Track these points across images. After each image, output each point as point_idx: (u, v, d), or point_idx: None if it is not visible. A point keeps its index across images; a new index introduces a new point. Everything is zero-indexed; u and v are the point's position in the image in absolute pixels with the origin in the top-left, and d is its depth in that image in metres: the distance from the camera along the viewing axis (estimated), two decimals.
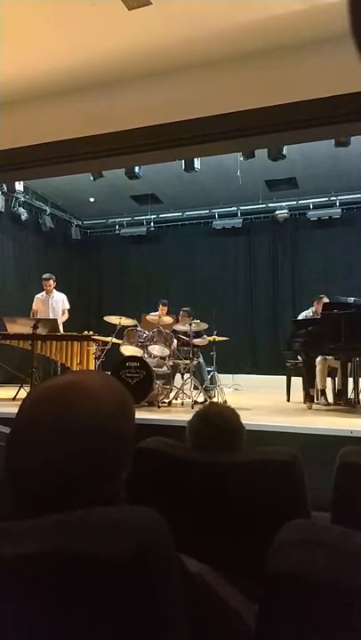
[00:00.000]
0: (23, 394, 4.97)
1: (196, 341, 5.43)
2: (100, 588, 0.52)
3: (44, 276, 6.09)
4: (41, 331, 5.24)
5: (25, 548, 0.55)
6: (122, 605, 0.52)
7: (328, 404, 4.82)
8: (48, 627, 0.54)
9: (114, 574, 0.52)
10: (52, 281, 6.01)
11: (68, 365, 5.36)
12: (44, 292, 6.06)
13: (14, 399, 5.02)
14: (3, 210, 7.58)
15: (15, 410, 0.71)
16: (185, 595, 0.57)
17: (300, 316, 5.76)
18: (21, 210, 8.00)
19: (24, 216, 8.03)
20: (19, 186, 7.57)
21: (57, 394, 0.69)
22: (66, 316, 6.08)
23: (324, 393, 4.92)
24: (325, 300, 5.39)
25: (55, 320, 5.51)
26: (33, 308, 6.06)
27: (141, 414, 3.98)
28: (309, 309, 5.70)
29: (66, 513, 0.58)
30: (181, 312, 5.63)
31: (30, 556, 0.54)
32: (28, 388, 4.96)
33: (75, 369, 5.20)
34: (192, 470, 1.23)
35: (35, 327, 5.18)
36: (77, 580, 0.53)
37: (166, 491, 1.16)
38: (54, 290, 6.08)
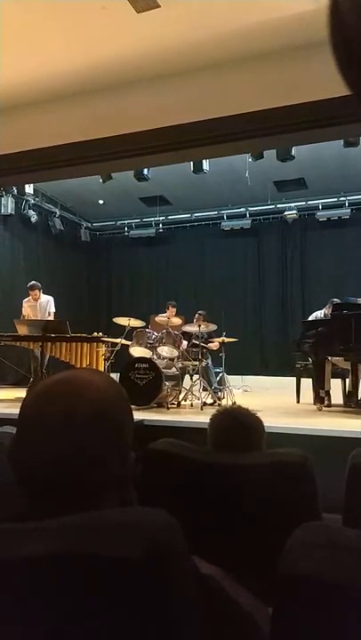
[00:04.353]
0: None
1: (210, 346, 5.46)
2: (113, 589, 0.52)
3: (29, 284, 6.05)
4: (50, 332, 5.27)
5: (37, 549, 0.55)
6: (135, 607, 0.52)
7: (330, 405, 4.79)
8: (60, 628, 0.54)
9: (127, 576, 0.52)
10: (37, 290, 5.97)
11: (78, 367, 5.39)
12: (30, 297, 6.08)
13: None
14: (13, 212, 7.65)
15: None
16: (197, 596, 0.57)
17: (312, 317, 5.73)
18: (31, 212, 8.07)
19: (34, 218, 8.10)
20: (28, 188, 7.63)
21: (59, 387, 0.71)
22: (51, 318, 6.02)
23: (327, 394, 4.88)
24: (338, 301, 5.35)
25: (64, 322, 5.53)
26: (23, 313, 6.08)
27: (151, 415, 3.98)
28: (323, 309, 5.66)
29: (78, 514, 0.58)
30: (197, 315, 5.65)
31: (43, 557, 0.54)
32: None
33: None
34: (202, 471, 1.23)
35: (44, 329, 5.21)
36: (90, 581, 0.53)
37: (176, 492, 1.16)
38: (41, 294, 6.07)
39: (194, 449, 1.32)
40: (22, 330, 5.45)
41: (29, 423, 0.69)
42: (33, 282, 6.08)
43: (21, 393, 5.28)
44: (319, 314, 5.67)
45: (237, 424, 1.37)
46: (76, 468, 0.65)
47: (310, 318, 5.68)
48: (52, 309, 6.07)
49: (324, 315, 5.51)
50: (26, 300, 6.10)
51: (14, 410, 4.14)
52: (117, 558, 0.52)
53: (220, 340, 5.49)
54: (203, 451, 1.34)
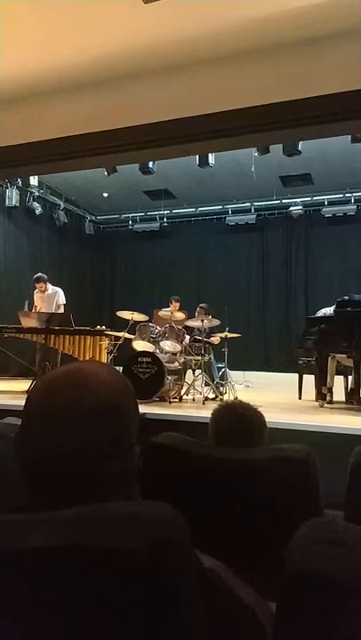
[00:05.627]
0: None
1: (211, 340, 5.45)
2: (116, 582, 0.52)
3: (35, 277, 6.03)
4: (54, 325, 5.28)
5: (42, 541, 0.55)
6: (138, 600, 0.52)
7: (331, 402, 4.79)
8: (63, 620, 0.54)
9: (131, 568, 0.52)
10: (42, 282, 5.95)
11: (81, 360, 5.39)
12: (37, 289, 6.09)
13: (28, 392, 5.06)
14: (17, 204, 7.63)
15: None
16: (200, 591, 0.57)
17: (320, 313, 5.70)
18: (36, 204, 8.05)
19: (38, 211, 8.08)
20: (33, 180, 7.61)
21: (65, 379, 0.71)
22: (61, 310, 6.00)
23: (329, 391, 4.88)
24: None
25: (68, 315, 5.53)
26: (35, 303, 6.09)
27: (153, 409, 3.98)
28: (332, 307, 5.61)
29: (82, 507, 0.58)
30: (198, 308, 5.63)
31: (47, 549, 0.54)
32: None
33: None
34: (205, 466, 1.23)
35: (48, 321, 5.22)
36: (94, 573, 0.53)
37: (178, 486, 1.16)
38: (49, 285, 6.05)
39: (196, 443, 1.32)
40: (26, 322, 5.46)
41: (34, 415, 0.69)
42: (39, 274, 6.08)
43: (24, 385, 5.29)
44: (328, 310, 5.63)
45: (239, 419, 1.37)
46: (79, 461, 0.65)
47: (319, 314, 5.65)
48: (62, 301, 6.05)
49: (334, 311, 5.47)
50: (35, 290, 6.12)
51: (17, 401, 4.16)
52: (122, 550, 0.52)
53: (222, 334, 5.48)
54: (205, 445, 1.34)
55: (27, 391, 5.02)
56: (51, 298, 6.00)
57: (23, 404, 0.72)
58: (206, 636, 0.57)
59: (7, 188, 7.54)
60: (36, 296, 6.11)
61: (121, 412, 0.71)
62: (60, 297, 6.05)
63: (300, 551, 0.55)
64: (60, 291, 6.08)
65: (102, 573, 0.53)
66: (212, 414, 1.43)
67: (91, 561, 0.53)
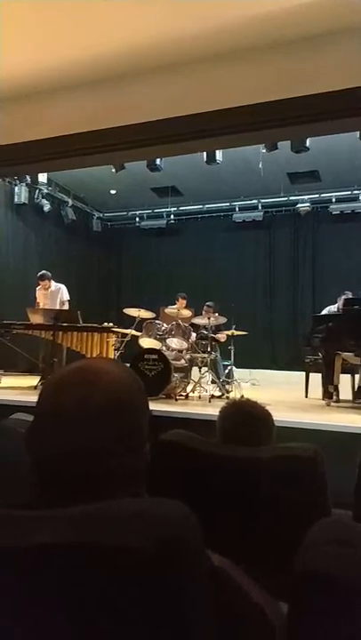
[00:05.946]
0: None
1: (218, 336, 5.44)
2: (119, 580, 0.52)
3: (39, 274, 6.05)
4: (61, 322, 5.30)
5: (46, 538, 0.55)
6: (140, 599, 0.52)
7: (338, 401, 4.77)
8: (65, 619, 0.54)
9: (134, 567, 0.52)
10: (47, 280, 5.97)
11: (89, 356, 5.41)
12: (41, 286, 6.12)
13: (36, 388, 5.10)
14: (26, 201, 7.67)
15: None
16: (210, 590, 0.57)
17: (325, 311, 5.68)
18: (44, 201, 8.08)
19: (46, 207, 8.11)
20: (42, 177, 7.64)
21: (76, 376, 0.71)
22: (65, 307, 6.01)
23: (336, 389, 4.86)
24: (349, 295, 5.30)
25: (76, 312, 5.55)
26: (37, 300, 6.12)
27: (158, 406, 3.99)
28: (336, 304, 5.60)
29: (92, 504, 0.58)
30: (205, 306, 5.62)
31: (51, 546, 0.54)
32: None
33: None
34: (213, 463, 1.23)
35: (56, 318, 5.24)
36: (97, 571, 0.53)
37: (186, 483, 1.17)
38: (52, 282, 6.07)
39: (204, 441, 1.32)
40: (35, 318, 5.49)
41: (45, 412, 0.69)
42: (43, 271, 6.10)
43: (32, 381, 5.32)
44: (333, 308, 5.61)
45: (247, 417, 1.37)
46: (84, 459, 0.65)
47: (323, 312, 5.63)
48: (66, 298, 6.06)
49: (338, 309, 5.45)
50: (38, 287, 6.15)
51: (26, 397, 4.18)
52: (124, 549, 0.52)
53: (228, 332, 5.48)
54: (213, 443, 1.34)
55: (35, 387, 5.08)
56: (54, 294, 6.02)
57: (31, 399, 0.73)
58: (213, 635, 0.57)
59: (16, 185, 7.57)
60: (39, 293, 6.13)
61: (131, 408, 0.71)
62: (64, 293, 6.07)
63: (308, 551, 0.55)
64: (63, 287, 6.10)
65: (105, 572, 0.53)
66: (220, 412, 1.43)
67: (94, 559, 0.53)
